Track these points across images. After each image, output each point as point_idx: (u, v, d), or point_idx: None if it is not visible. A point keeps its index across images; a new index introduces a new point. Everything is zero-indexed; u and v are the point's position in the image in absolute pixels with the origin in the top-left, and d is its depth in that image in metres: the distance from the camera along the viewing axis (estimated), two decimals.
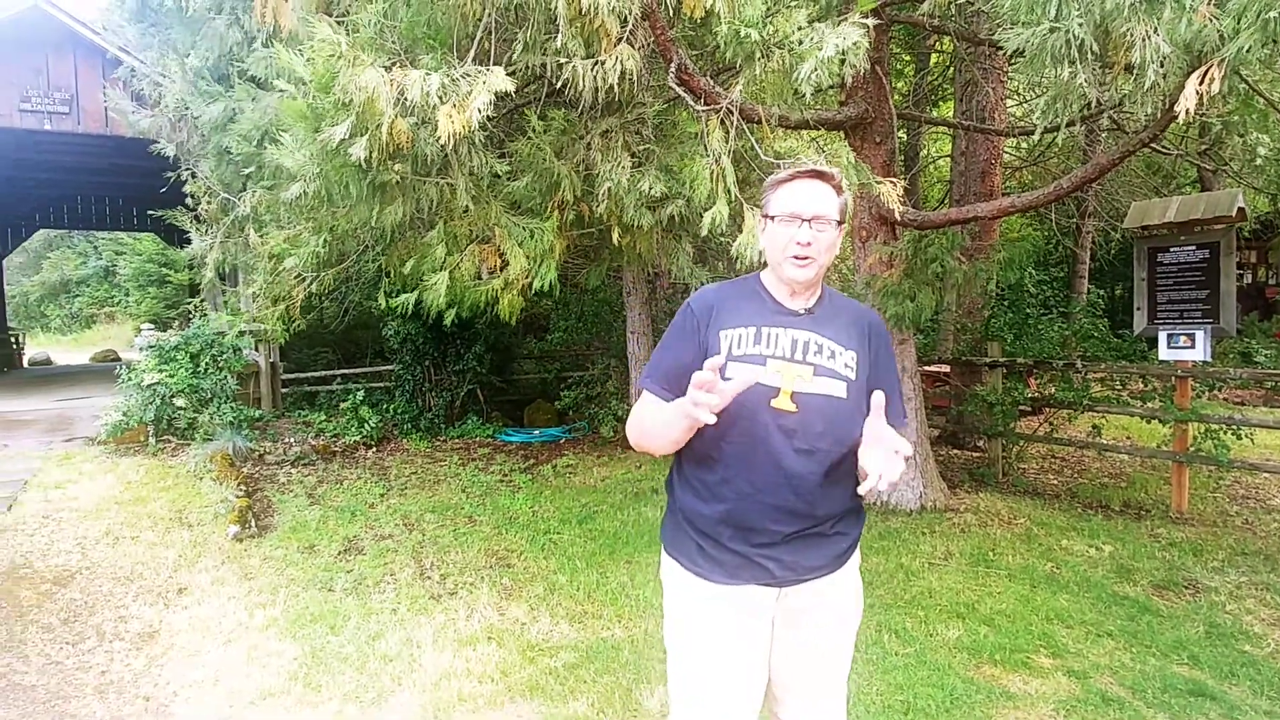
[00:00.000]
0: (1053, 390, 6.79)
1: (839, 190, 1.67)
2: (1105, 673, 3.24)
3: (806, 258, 1.62)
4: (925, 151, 12.54)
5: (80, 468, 6.57)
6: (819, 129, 5.23)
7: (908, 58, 10.91)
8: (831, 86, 5.51)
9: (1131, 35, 2.92)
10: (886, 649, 3.44)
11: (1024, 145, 10.81)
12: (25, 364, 19.26)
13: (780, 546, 1.63)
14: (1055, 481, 6.71)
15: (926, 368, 8.00)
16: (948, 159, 11.36)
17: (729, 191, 3.41)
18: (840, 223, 1.66)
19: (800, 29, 3.23)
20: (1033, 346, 7.48)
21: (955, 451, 7.80)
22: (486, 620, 3.85)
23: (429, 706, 3.02)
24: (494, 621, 3.83)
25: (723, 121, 3.68)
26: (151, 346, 7.48)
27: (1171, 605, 3.96)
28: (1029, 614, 3.82)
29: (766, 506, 1.62)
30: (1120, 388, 6.59)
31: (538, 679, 3.21)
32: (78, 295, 31.48)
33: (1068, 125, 3.47)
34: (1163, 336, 5.81)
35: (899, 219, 4.56)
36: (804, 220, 1.61)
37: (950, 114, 9.85)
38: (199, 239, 6.50)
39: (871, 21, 3.10)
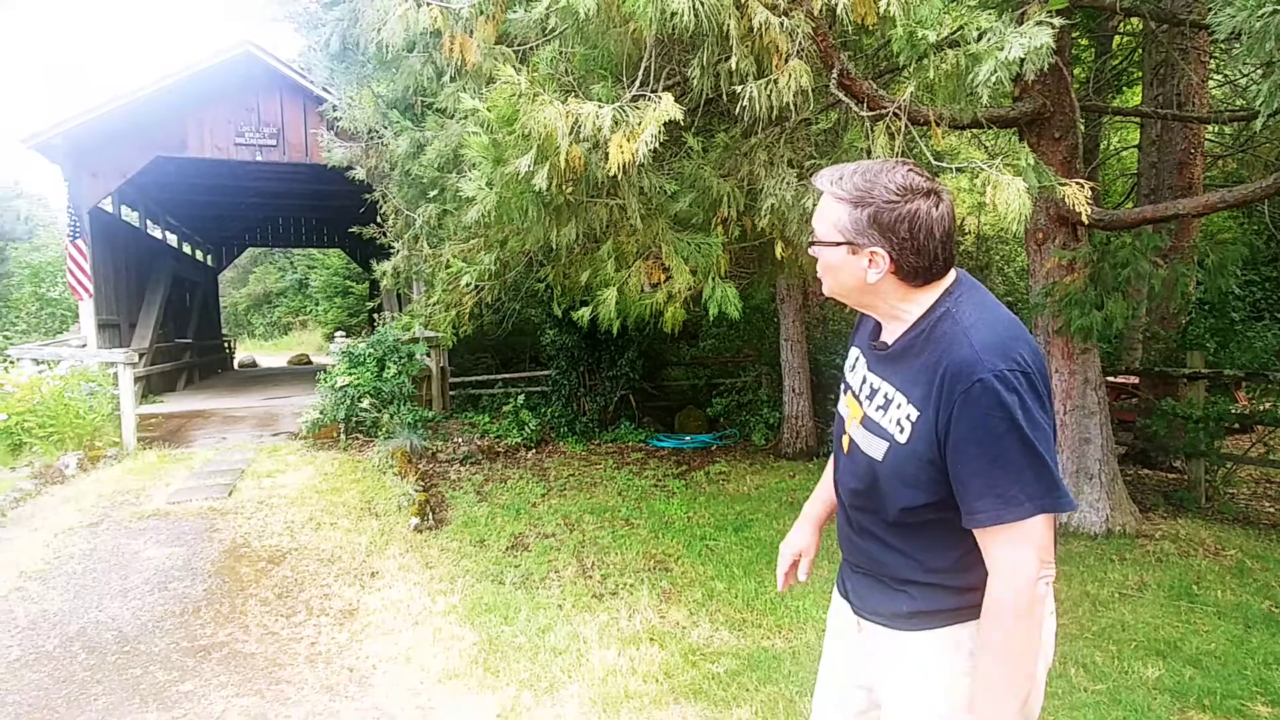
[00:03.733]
0: (1269, 406, 6.02)
1: (841, 201, 1.35)
2: None
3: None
4: (1106, 143, 11.45)
5: (286, 459, 7.40)
6: (991, 127, 4.94)
7: (1085, 42, 10.04)
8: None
9: None
10: (1074, 683, 3.21)
11: (1226, 131, 9.61)
12: (235, 366, 21.97)
13: (854, 574, 1.58)
14: (1273, 510, 5.94)
15: (1111, 379, 7.34)
16: (1132, 150, 10.33)
17: None
18: (841, 244, 1.36)
19: (977, 26, 3.10)
20: (1241, 356, 6.65)
21: (1146, 471, 7.10)
22: (647, 621, 3.96)
23: (598, 700, 3.15)
24: (655, 623, 3.94)
25: (889, 126, 3.59)
26: (344, 352, 8.30)
27: None
28: (1243, 657, 3.42)
29: (842, 528, 1.61)
30: None
31: (700, 683, 3.27)
32: (277, 305, 35.61)
33: None
34: None
35: (1087, 220, 4.22)
36: None
37: (1138, 100, 8.97)
38: (386, 256, 7.18)
39: (1059, 21, 2.91)
